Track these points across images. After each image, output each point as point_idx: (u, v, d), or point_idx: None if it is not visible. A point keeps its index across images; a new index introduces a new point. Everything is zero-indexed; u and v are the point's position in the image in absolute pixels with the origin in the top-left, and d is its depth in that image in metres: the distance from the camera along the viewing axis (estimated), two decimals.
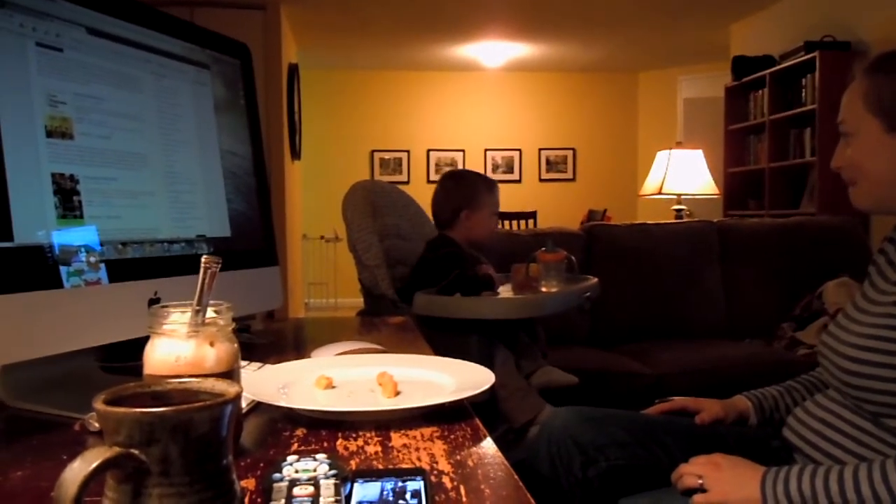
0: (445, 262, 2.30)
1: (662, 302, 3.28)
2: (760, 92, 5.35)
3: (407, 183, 8.14)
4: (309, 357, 1.17)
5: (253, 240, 1.25)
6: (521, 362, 2.29)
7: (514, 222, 7.04)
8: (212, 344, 0.70)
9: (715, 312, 3.32)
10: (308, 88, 7.05)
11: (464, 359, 1.06)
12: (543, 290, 2.26)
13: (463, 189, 2.49)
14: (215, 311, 0.72)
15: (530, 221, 7.15)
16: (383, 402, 0.89)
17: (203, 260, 0.70)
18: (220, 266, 0.70)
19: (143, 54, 1.03)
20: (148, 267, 0.98)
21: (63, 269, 0.85)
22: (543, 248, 2.34)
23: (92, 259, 0.89)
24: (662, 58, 7.80)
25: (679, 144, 5.44)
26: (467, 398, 0.87)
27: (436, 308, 2.12)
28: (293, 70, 5.87)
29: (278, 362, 1.09)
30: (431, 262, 2.37)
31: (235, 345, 0.73)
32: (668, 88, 8.22)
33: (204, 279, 0.70)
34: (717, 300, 3.33)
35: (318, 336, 1.61)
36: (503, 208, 7.61)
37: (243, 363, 1.08)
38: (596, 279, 2.43)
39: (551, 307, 2.26)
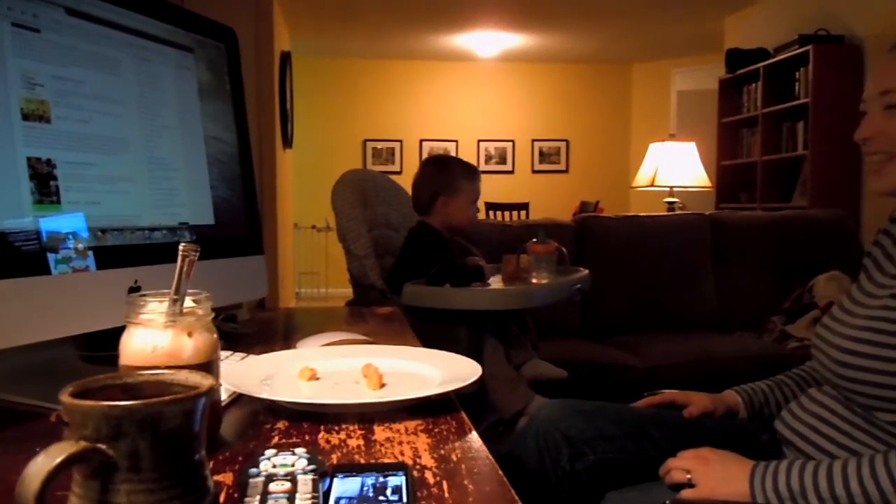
0: (429, 249, 2.28)
1: (653, 294, 3.28)
2: (754, 85, 5.34)
3: (399, 173, 8.11)
4: (294, 348, 1.15)
5: (238, 228, 1.22)
6: (511, 353, 2.28)
7: (506, 213, 7.03)
8: (190, 334, 0.69)
9: (706, 305, 3.32)
10: (300, 76, 7.00)
11: (452, 350, 1.04)
12: (534, 281, 2.25)
13: (442, 174, 2.46)
14: (194, 301, 0.70)
15: (522, 212, 7.14)
16: (367, 395, 0.88)
17: (181, 248, 0.68)
18: (198, 254, 0.69)
19: (124, 37, 1.00)
20: (129, 254, 0.96)
21: (51, 256, 0.83)
22: (534, 240, 2.33)
23: (80, 246, 0.87)
24: (656, 50, 7.79)
25: (672, 137, 5.43)
26: (453, 391, 0.86)
27: (425, 298, 2.10)
28: (285, 57, 5.83)
29: (264, 352, 1.07)
30: (414, 251, 2.35)
31: (214, 335, 0.71)
32: (661, 80, 8.20)
33: (182, 267, 0.68)
34: (707, 293, 3.33)
35: (306, 326, 1.59)
36: (496, 199, 7.61)
37: (227, 353, 1.06)
38: (587, 271, 2.42)
39: (541, 299, 2.25)
